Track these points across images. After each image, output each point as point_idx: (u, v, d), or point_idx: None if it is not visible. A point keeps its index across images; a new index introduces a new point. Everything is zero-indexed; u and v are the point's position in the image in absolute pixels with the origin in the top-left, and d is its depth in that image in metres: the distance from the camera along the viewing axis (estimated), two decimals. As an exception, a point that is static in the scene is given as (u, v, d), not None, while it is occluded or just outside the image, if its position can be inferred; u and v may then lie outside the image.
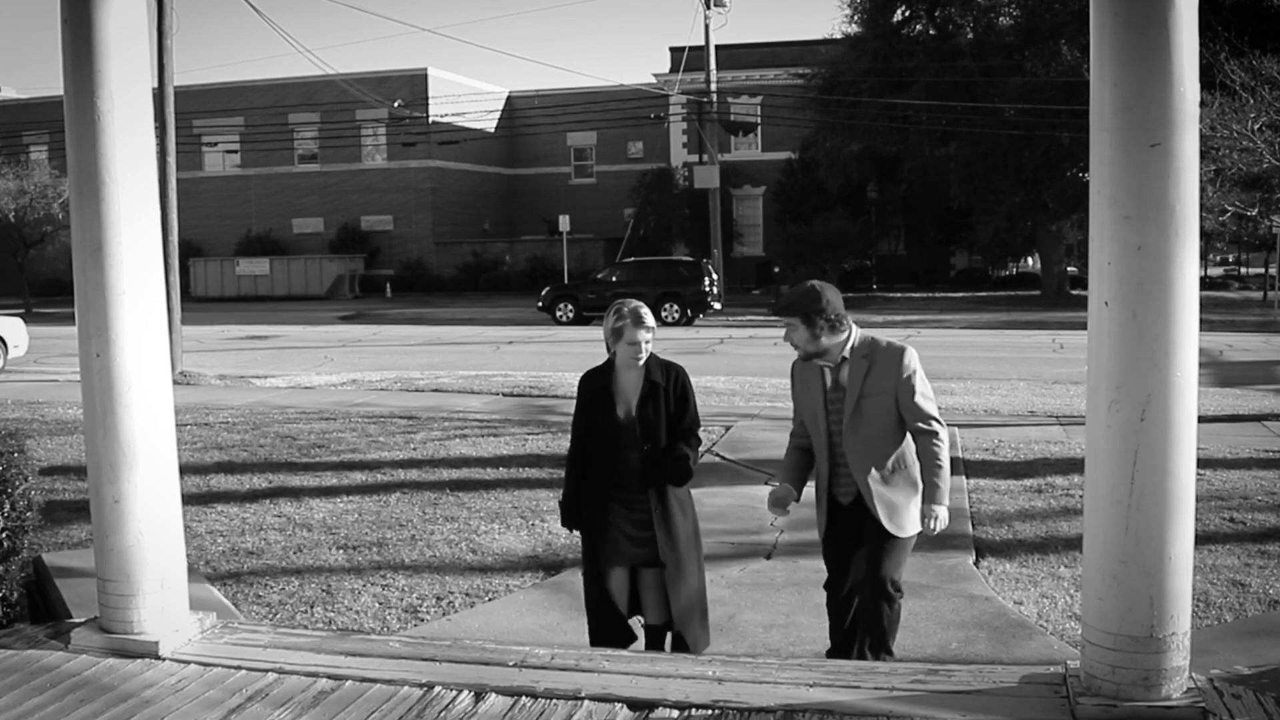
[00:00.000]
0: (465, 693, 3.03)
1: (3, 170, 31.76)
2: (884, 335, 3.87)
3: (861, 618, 3.77)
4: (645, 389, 3.89)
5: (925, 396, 3.72)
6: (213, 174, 41.36)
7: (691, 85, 32.30)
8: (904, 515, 3.72)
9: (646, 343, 3.85)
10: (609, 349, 3.91)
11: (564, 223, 31.60)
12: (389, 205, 39.58)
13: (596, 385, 3.96)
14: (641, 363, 3.87)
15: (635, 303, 3.89)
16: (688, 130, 36.90)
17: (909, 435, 3.76)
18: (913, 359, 3.73)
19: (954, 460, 7.15)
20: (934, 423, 3.71)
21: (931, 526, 3.68)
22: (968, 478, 6.71)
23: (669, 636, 3.80)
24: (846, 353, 3.74)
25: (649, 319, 3.88)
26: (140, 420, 3.34)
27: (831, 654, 3.90)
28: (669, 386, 3.91)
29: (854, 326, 3.78)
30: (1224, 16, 19.43)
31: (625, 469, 3.86)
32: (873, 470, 3.73)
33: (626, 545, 3.82)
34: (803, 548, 5.13)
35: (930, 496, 3.70)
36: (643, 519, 3.82)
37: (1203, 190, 17.43)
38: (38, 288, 34.60)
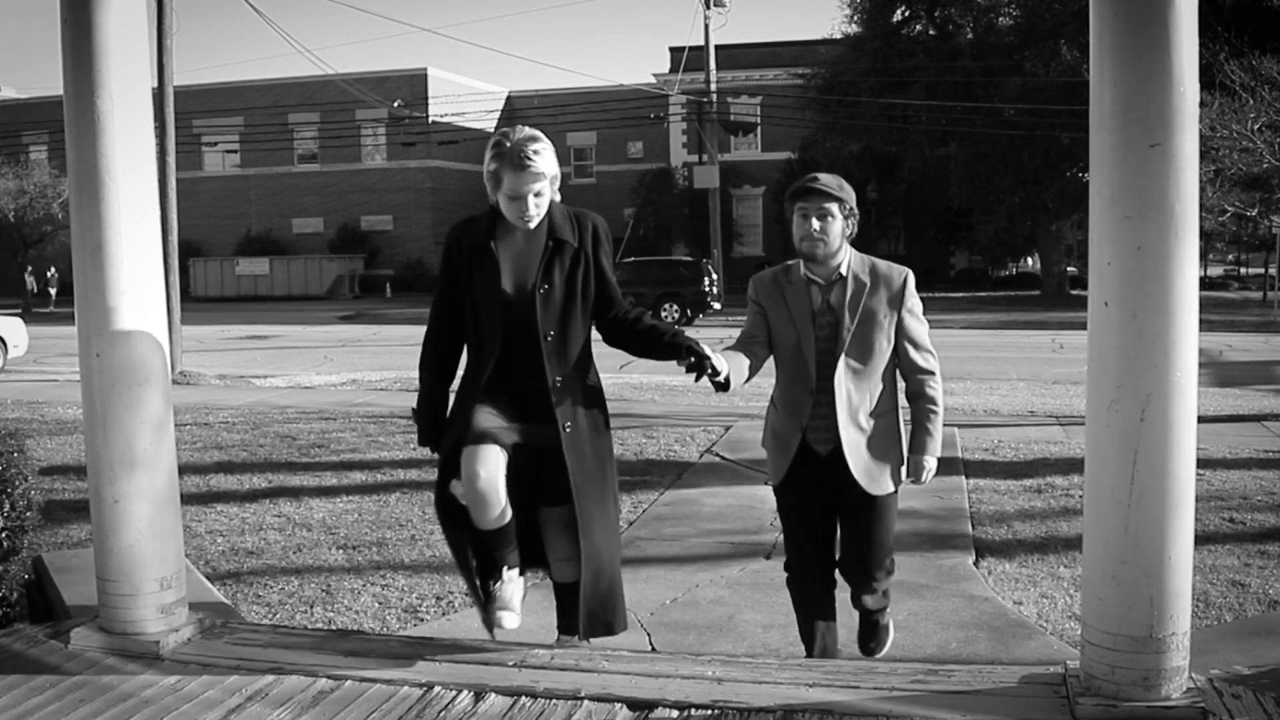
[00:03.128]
0: (465, 693, 3.03)
1: (3, 170, 31.78)
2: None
3: (861, 602, 3.45)
4: (549, 253, 2.95)
5: (926, 330, 3.32)
6: (213, 174, 41.35)
7: (691, 85, 32.30)
8: (889, 470, 3.31)
9: (537, 196, 2.90)
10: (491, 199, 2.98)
11: (564, 223, 31.57)
12: (389, 205, 39.58)
13: (473, 239, 2.98)
14: (533, 224, 2.94)
15: (527, 132, 2.94)
16: (687, 130, 36.91)
17: (897, 376, 3.34)
18: (913, 282, 3.30)
19: (954, 460, 7.16)
20: (933, 360, 3.31)
21: (920, 478, 3.29)
22: (968, 478, 6.72)
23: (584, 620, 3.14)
24: (844, 269, 3.24)
25: (541, 162, 2.88)
26: (140, 420, 3.33)
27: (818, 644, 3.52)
28: (586, 246, 2.99)
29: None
30: (1224, 16, 19.44)
31: (514, 374, 2.98)
32: (860, 414, 3.23)
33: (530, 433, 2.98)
34: (803, 548, 5.14)
35: (922, 445, 3.29)
36: (549, 448, 3.00)
37: (1203, 190, 17.43)
38: (25, 290, 34.62)
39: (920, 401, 3.31)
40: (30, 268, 33.79)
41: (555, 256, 2.97)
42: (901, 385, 3.38)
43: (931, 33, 31.63)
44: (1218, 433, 7.96)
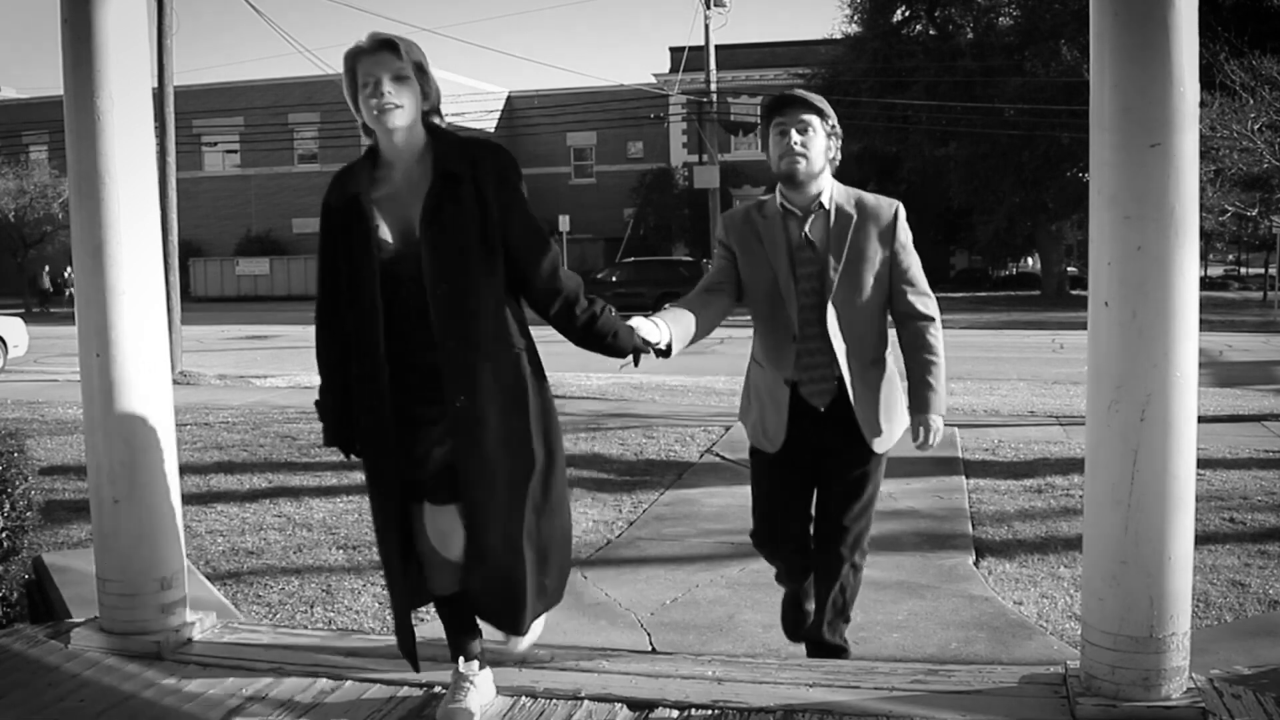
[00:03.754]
0: (465, 693, 3.02)
1: (3, 170, 31.77)
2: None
3: (828, 573, 3.09)
4: (434, 190, 2.40)
5: (920, 267, 2.96)
6: (213, 174, 41.34)
7: (691, 85, 32.31)
8: (891, 426, 2.96)
9: (397, 82, 2.36)
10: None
11: (564, 223, 31.63)
12: (389, 205, 39.57)
13: (349, 189, 2.48)
14: (394, 120, 2.37)
15: (383, 34, 2.42)
16: (688, 130, 36.91)
17: (888, 321, 2.99)
18: (904, 216, 2.92)
19: (954, 460, 7.16)
20: (931, 304, 2.93)
21: (929, 440, 2.89)
22: (968, 478, 6.72)
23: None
24: (825, 199, 2.85)
25: (403, 48, 2.39)
26: (140, 420, 3.33)
27: (809, 643, 3.28)
28: (483, 183, 2.41)
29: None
30: (1224, 16, 19.45)
31: (407, 353, 2.48)
32: (858, 362, 2.88)
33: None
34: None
35: (925, 402, 2.87)
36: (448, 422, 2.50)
37: (1203, 190, 17.44)
38: (38, 287, 34.63)
39: (919, 352, 2.89)
40: (47, 266, 33.87)
41: (444, 193, 2.40)
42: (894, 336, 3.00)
43: (931, 33, 31.64)
44: (1218, 433, 7.96)
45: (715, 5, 29.89)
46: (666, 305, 2.89)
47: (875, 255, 2.85)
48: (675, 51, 36.88)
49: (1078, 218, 29.66)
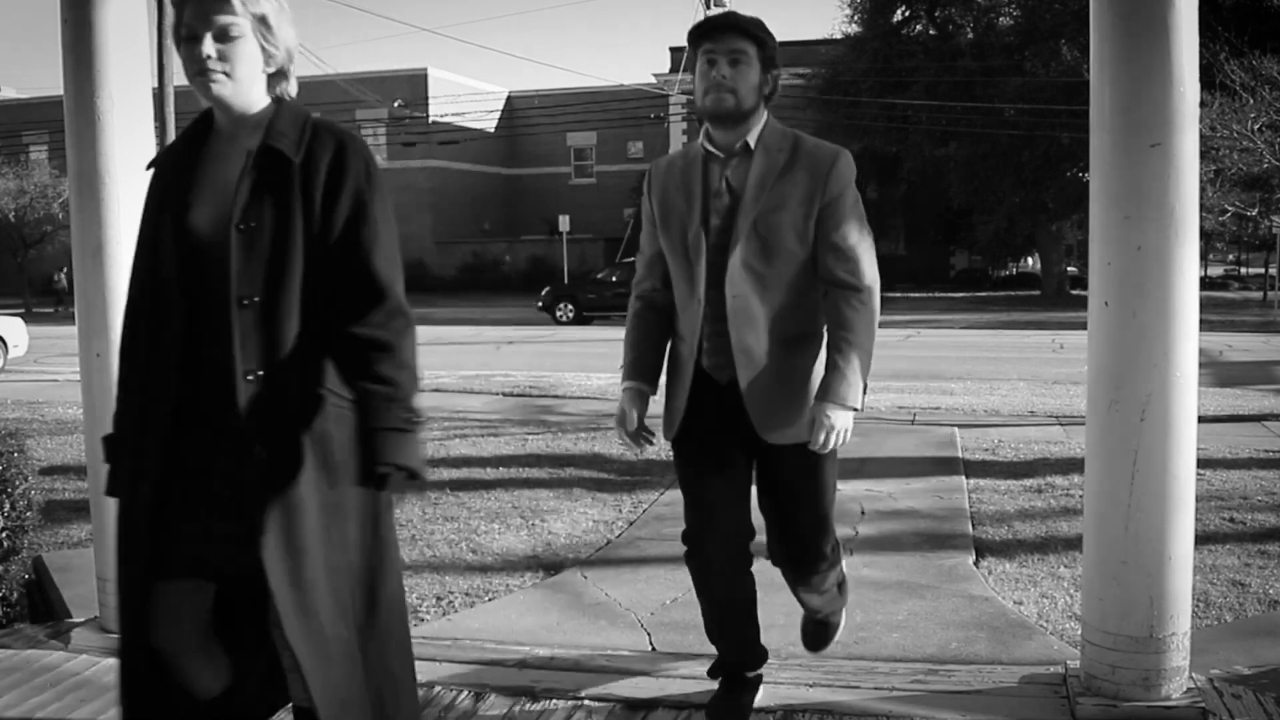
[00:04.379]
0: (465, 692, 3.03)
1: (3, 170, 31.79)
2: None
3: (803, 601, 2.79)
4: (252, 169, 1.89)
5: (865, 232, 2.46)
6: (213, 174, 41.28)
7: (691, 85, 32.31)
8: (805, 417, 2.48)
9: (225, 42, 1.87)
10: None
11: (564, 223, 31.63)
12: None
13: (174, 158, 1.97)
14: (217, 86, 1.88)
15: None
16: (688, 130, 36.91)
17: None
18: (852, 170, 2.47)
19: (954, 460, 7.16)
20: (862, 271, 2.41)
21: (820, 438, 2.35)
22: (968, 478, 6.72)
23: None
24: (752, 139, 2.44)
25: (228, 16, 1.87)
26: (140, 420, 3.33)
27: (721, 673, 2.80)
28: (317, 171, 1.88)
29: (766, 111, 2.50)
30: (1224, 16, 19.45)
31: (205, 355, 1.88)
32: (761, 333, 2.43)
33: (208, 535, 1.91)
34: (803, 548, 5.14)
35: (825, 388, 2.37)
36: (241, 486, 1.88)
37: (1203, 190, 17.45)
38: (38, 287, 34.65)
39: (834, 328, 2.41)
40: (65, 268, 33.96)
41: (264, 176, 1.88)
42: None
43: (931, 33, 31.66)
44: (1218, 433, 7.95)
45: (715, 5, 29.89)
46: (623, 365, 2.63)
47: (801, 207, 2.39)
48: (675, 51, 36.88)
49: (1078, 218, 29.69)
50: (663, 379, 2.67)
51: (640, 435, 2.63)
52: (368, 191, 1.92)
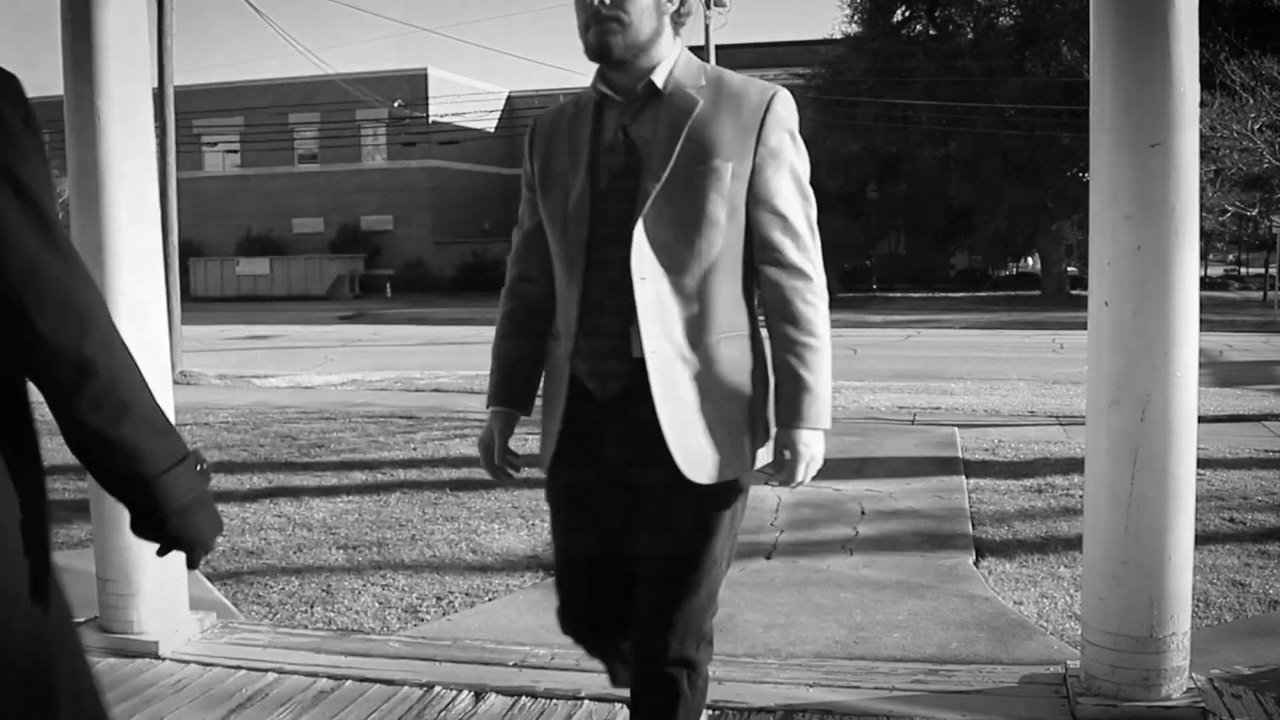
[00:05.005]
0: (465, 693, 3.03)
1: (3, 170, 31.79)
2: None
3: (649, 681, 1.99)
4: None
5: (808, 199, 1.89)
6: (213, 174, 41.36)
7: (691, 85, 32.30)
8: (737, 445, 1.88)
9: None
10: None
11: (564, 223, 31.61)
12: (389, 205, 39.59)
13: None
14: None
15: None
16: (688, 130, 36.88)
17: (753, 278, 1.91)
18: (793, 114, 1.89)
19: (954, 460, 7.16)
20: (810, 256, 1.87)
21: (795, 474, 1.85)
22: (968, 478, 6.72)
23: None
24: (659, 78, 1.85)
25: None
26: (140, 420, 3.33)
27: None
28: None
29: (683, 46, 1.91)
30: (1224, 16, 19.47)
31: None
32: (677, 329, 1.82)
33: None
34: (803, 547, 5.14)
35: (791, 410, 1.84)
36: None
37: (1203, 190, 17.45)
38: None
39: (783, 325, 1.85)
40: None
41: None
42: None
43: (931, 33, 31.67)
44: (1218, 433, 7.95)
45: (715, 5, 29.87)
46: (490, 385, 2.14)
47: (727, 163, 1.80)
48: (675, 51, 36.90)
49: (1078, 218, 29.69)
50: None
51: (503, 468, 2.13)
52: (36, 181, 1.21)
